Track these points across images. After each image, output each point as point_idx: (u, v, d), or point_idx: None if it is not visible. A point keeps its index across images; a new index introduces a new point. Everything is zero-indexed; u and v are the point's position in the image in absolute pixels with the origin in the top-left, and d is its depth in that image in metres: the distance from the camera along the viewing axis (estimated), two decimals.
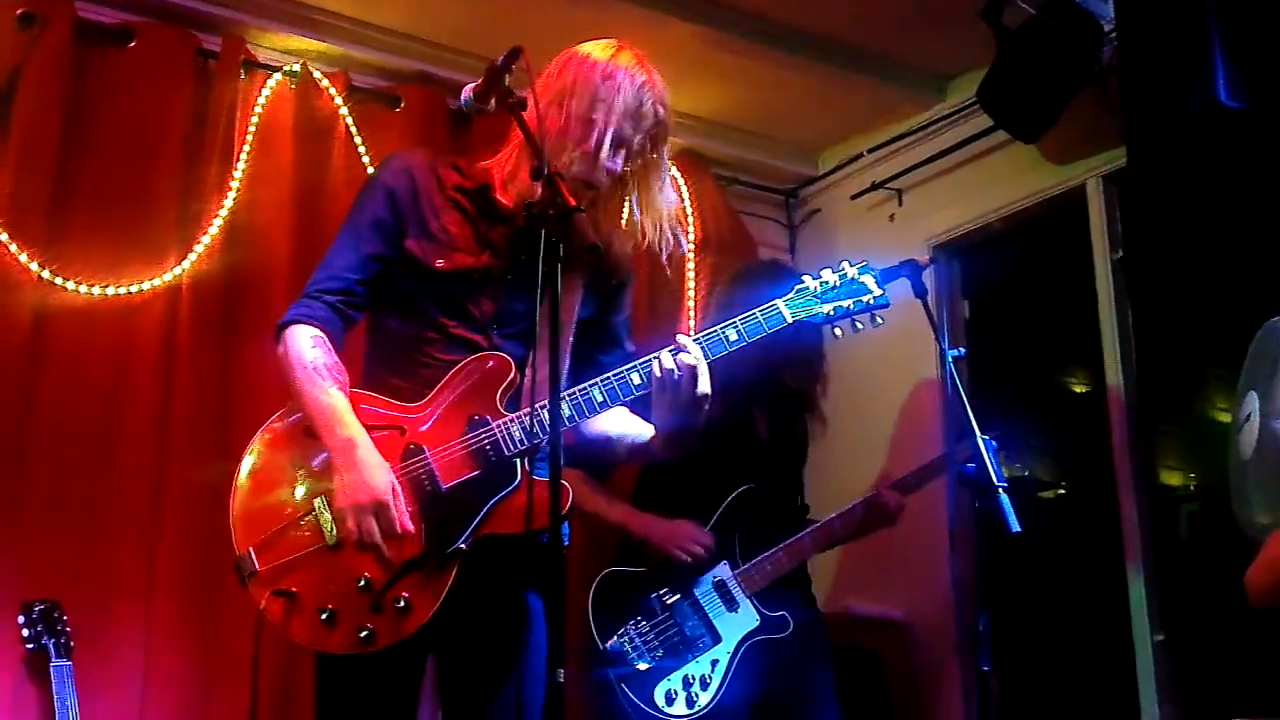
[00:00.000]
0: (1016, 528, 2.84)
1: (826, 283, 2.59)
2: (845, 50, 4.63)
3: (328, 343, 2.50)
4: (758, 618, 3.68)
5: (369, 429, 2.45)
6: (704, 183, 5.09)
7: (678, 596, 3.67)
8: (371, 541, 2.34)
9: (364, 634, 2.33)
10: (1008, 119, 4.22)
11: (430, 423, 2.47)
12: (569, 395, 2.44)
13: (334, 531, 2.38)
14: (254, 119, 4.10)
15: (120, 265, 3.81)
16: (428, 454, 2.43)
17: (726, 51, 4.52)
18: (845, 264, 2.63)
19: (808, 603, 3.90)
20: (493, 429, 2.43)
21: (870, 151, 5.15)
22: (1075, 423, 3.93)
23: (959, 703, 4.42)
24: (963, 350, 3.38)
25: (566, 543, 2.53)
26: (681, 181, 5.05)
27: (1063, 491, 4.94)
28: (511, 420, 2.43)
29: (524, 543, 2.40)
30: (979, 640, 3.00)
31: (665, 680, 3.58)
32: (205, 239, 3.93)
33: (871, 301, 2.60)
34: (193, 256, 3.90)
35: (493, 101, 2.46)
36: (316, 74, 4.25)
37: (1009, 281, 5.01)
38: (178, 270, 3.88)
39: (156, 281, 3.85)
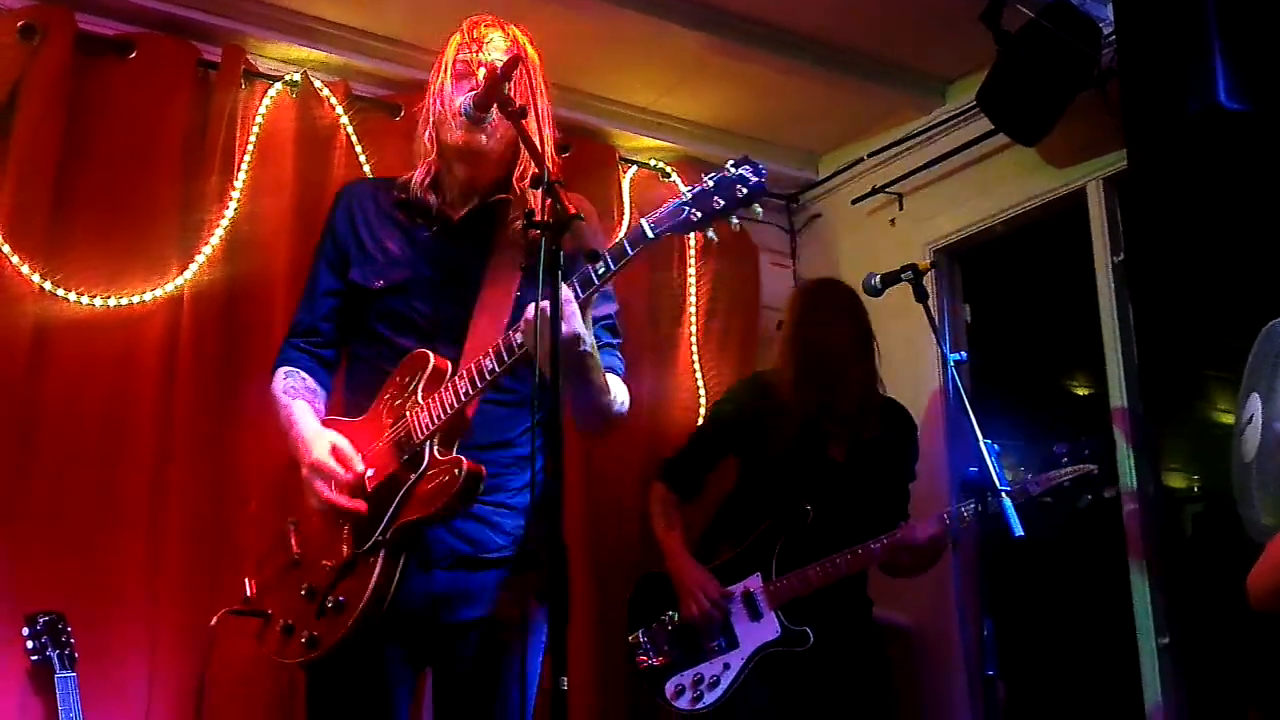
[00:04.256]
0: (1019, 532, 2.84)
1: (699, 186, 2.29)
2: (845, 55, 4.64)
3: (300, 374, 2.68)
4: (779, 630, 3.73)
5: None
6: None
7: None
8: (326, 501, 2.44)
9: (306, 640, 2.43)
10: (1008, 122, 4.22)
11: (368, 428, 2.54)
12: (466, 371, 2.42)
13: (294, 549, 2.56)
14: (255, 129, 4.10)
15: (121, 276, 3.81)
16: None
17: (726, 57, 4.53)
18: (729, 163, 2.30)
19: (856, 625, 3.90)
20: (407, 419, 2.46)
21: (870, 156, 5.15)
22: (1078, 426, 3.93)
23: (965, 708, 4.41)
24: (964, 354, 3.40)
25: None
26: (682, 187, 5.05)
27: None
28: (422, 408, 2.44)
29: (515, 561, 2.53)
30: (984, 645, 3.00)
31: (678, 675, 3.77)
32: (206, 249, 3.93)
33: (744, 192, 2.26)
34: (194, 267, 3.90)
35: (493, 109, 2.47)
36: (317, 83, 4.25)
37: (1010, 285, 5.01)
38: (179, 281, 3.88)
39: (158, 292, 3.85)
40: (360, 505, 2.43)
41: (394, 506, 2.42)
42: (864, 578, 3.92)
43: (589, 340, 2.35)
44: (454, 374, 2.46)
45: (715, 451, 4.08)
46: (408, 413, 2.46)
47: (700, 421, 4.28)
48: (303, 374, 2.67)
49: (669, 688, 3.76)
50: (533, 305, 2.22)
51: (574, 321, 2.29)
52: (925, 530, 3.68)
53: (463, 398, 2.40)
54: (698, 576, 3.82)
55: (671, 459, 4.09)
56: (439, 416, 2.41)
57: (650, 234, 2.28)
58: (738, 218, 2.31)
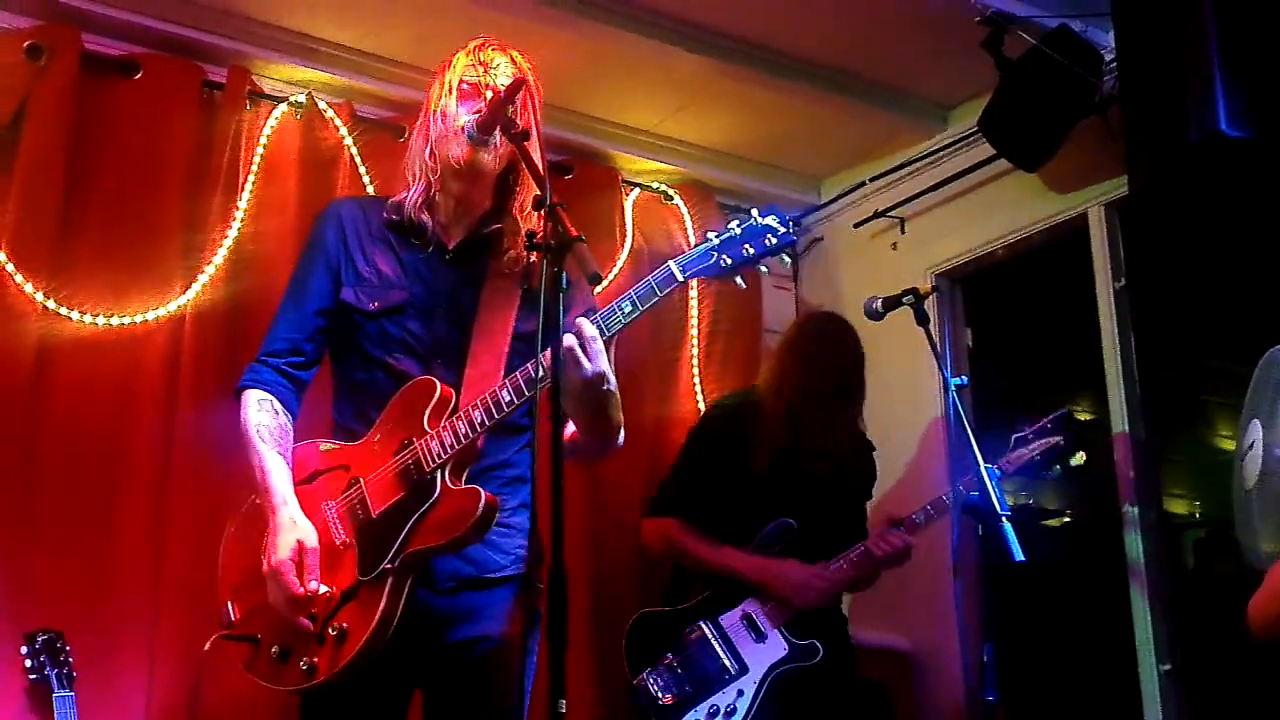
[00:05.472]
0: (1020, 557, 2.83)
1: (728, 232, 2.41)
2: (848, 79, 4.65)
3: (275, 404, 2.60)
4: (786, 647, 3.70)
5: (321, 472, 2.56)
6: (708, 211, 5.11)
7: (705, 631, 3.73)
8: (277, 609, 2.42)
9: (306, 667, 2.40)
10: (1009, 148, 4.24)
11: (369, 454, 2.52)
12: (482, 401, 2.44)
13: None
14: (259, 149, 4.11)
15: (125, 295, 3.82)
16: (361, 483, 2.49)
17: (729, 80, 4.54)
18: (754, 211, 2.44)
19: (840, 640, 3.89)
20: (414, 447, 2.45)
21: (873, 180, 5.16)
22: (1079, 449, 3.94)
23: None
24: (965, 379, 3.40)
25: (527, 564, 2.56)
26: (685, 210, 5.07)
27: (1067, 520, 4.93)
28: (431, 436, 2.44)
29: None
30: (984, 670, 2.99)
31: (692, 711, 3.64)
32: (210, 269, 3.94)
33: (774, 242, 2.40)
34: (197, 287, 3.91)
35: (496, 131, 2.49)
36: (321, 104, 4.27)
37: (1012, 310, 5.01)
38: (182, 300, 3.89)
39: (161, 311, 3.86)
40: (307, 626, 2.41)
41: (403, 534, 2.40)
42: (839, 595, 3.90)
43: (613, 380, 2.36)
44: (457, 401, 2.46)
45: (706, 474, 4.00)
46: (414, 440, 2.45)
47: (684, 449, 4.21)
48: (276, 405, 2.60)
49: None
50: (561, 341, 2.26)
51: (599, 360, 2.31)
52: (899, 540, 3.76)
53: (477, 428, 2.40)
54: (799, 569, 3.72)
55: (666, 492, 4.00)
56: (451, 445, 2.41)
57: (680, 277, 2.37)
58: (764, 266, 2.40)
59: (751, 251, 2.39)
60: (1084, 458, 3.88)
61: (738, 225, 2.41)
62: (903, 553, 3.78)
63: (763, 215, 2.42)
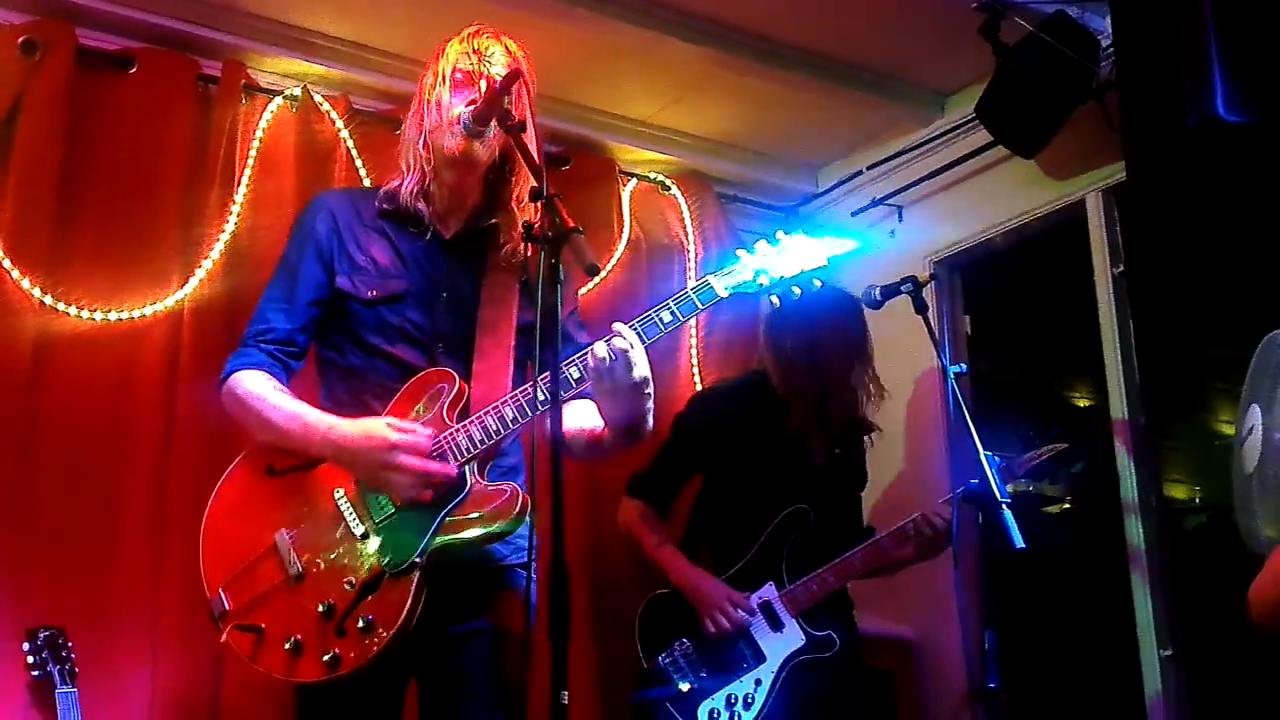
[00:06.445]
0: (1021, 544, 2.83)
1: (763, 254, 2.51)
2: (845, 68, 4.65)
3: (274, 380, 2.56)
4: (803, 637, 3.69)
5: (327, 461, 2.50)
6: (705, 201, 5.10)
7: None
8: (424, 474, 2.36)
9: (328, 658, 2.35)
10: (1007, 134, 4.23)
11: None
12: (513, 398, 2.44)
13: (295, 563, 2.44)
14: (255, 143, 4.10)
15: (122, 290, 3.82)
16: None
17: (727, 71, 4.53)
18: (780, 233, 2.54)
19: (850, 627, 3.88)
20: (440, 441, 2.43)
21: (870, 168, 5.15)
22: (1079, 437, 3.95)
23: None
24: (964, 366, 3.39)
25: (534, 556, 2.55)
26: (682, 200, 5.07)
27: (1067, 506, 4.94)
28: (458, 430, 2.43)
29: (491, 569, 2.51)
30: (985, 657, 2.99)
31: (709, 700, 3.63)
32: (207, 264, 3.93)
33: (810, 268, 2.52)
34: (194, 281, 3.91)
35: (491, 123, 2.49)
36: (317, 97, 4.26)
37: (1010, 296, 5.01)
38: (179, 295, 3.88)
39: (158, 306, 3.85)
40: (450, 470, 2.39)
41: (432, 528, 2.39)
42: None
43: (651, 384, 2.40)
44: (469, 395, 2.47)
45: (686, 466, 4.00)
46: (440, 435, 2.43)
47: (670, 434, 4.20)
48: (274, 381, 2.56)
49: (702, 714, 3.63)
50: (601, 345, 2.33)
51: (643, 366, 2.36)
52: (945, 513, 3.74)
53: (510, 424, 2.41)
54: (718, 588, 3.71)
55: (643, 474, 3.98)
56: (481, 441, 2.41)
57: (722, 294, 2.44)
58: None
59: (792, 270, 2.48)
60: (1082, 466, 3.94)
61: (775, 247, 2.49)
62: (927, 547, 3.77)
63: (790, 234, 2.52)
